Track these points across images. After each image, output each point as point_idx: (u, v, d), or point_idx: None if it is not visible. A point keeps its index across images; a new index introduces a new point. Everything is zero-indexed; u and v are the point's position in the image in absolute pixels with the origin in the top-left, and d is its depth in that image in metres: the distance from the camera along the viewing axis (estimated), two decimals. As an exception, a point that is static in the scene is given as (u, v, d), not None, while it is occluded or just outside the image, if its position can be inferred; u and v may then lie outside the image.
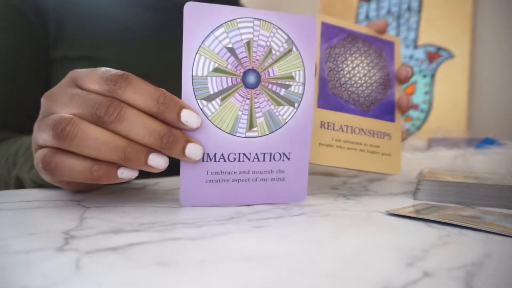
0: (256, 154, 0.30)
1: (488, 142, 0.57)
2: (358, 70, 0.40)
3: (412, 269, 0.18)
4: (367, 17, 1.16)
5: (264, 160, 0.30)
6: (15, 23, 0.50)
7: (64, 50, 0.53)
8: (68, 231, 0.22)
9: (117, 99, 0.26)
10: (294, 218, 0.28)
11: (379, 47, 0.41)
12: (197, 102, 0.28)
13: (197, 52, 0.28)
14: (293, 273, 0.17)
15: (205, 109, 0.28)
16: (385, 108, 0.40)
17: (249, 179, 0.30)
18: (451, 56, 1.00)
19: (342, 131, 0.38)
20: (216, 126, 0.29)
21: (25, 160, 0.38)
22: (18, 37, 0.50)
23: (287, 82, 0.31)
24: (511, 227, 0.26)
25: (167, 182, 0.42)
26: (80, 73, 0.28)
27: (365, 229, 0.26)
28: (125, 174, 0.26)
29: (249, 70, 0.29)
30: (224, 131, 0.29)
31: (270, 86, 0.30)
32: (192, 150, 0.27)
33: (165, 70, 0.55)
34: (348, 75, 0.39)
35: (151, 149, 0.26)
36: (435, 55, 1.03)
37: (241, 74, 0.29)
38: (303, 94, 0.31)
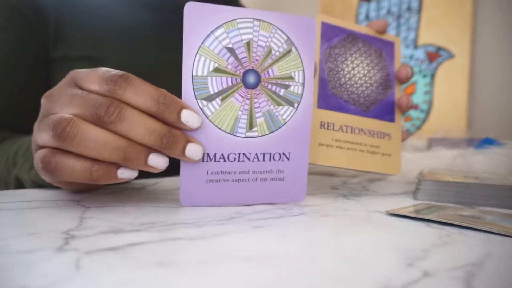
0: (256, 154, 0.30)
1: (488, 142, 0.57)
2: (358, 70, 0.40)
3: (412, 269, 0.18)
4: (367, 17, 1.16)
5: (263, 160, 0.30)
6: (14, 23, 0.50)
7: (64, 50, 0.53)
8: (68, 231, 0.22)
9: (117, 100, 0.26)
10: (294, 218, 0.28)
11: (379, 47, 0.41)
12: (197, 102, 0.28)
13: (197, 52, 0.28)
14: (293, 273, 0.17)
15: (205, 109, 0.28)
16: (385, 108, 0.40)
17: (249, 179, 0.30)
18: (451, 56, 1.00)
19: (342, 131, 0.38)
20: (216, 126, 0.29)
21: (25, 160, 0.38)
22: (18, 37, 0.50)
23: (286, 82, 0.31)
24: (511, 227, 0.26)
25: (167, 182, 0.42)
26: (80, 73, 0.28)
27: (365, 229, 0.26)
28: (125, 174, 0.26)
29: (249, 70, 0.29)
30: (224, 131, 0.29)
31: (269, 86, 0.30)
32: (192, 150, 0.27)
33: (165, 70, 0.55)
34: (348, 75, 0.39)
35: (151, 149, 0.26)
36: (435, 55, 1.03)
37: (241, 74, 0.29)
38: (302, 94, 0.31)
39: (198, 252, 0.19)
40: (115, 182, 0.26)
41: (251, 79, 0.29)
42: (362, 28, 0.41)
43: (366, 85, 0.40)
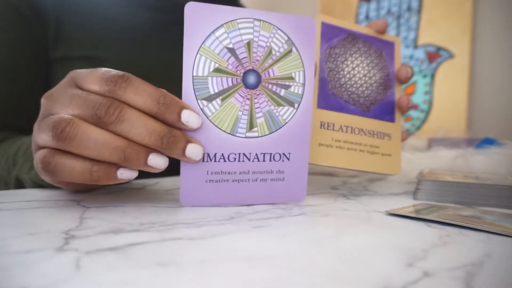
0: (256, 154, 0.30)
1: (488, 142, 0.57)
2: (358, 71, 0.40)
3: (412, 269, 0.18)
4: (367, 17, 1.16)
5: (264, 160, 0.30)
6: (14, 23, 0.50)
7: (64, 50, 0.53)
8: (68, 231, 0.22)
9: (117, 100, 0.26)
10: (294, 218, 0.28)
11: (379, 47, 0.41)
12: (197, 102, 0.28)
13: (197, 52, 0.28)
14: (293, 273, 0.17)
15: (206, 109, 0.28)
16: (385, 109, 0.40)
17: (249, 179, 0.30)
18: (451, 56, 1.00)
19: (342, 131, 0.38)
20: (216, 126, 0.29)
21: (24, 160, 0.38)
22: (18, 37, 0.50)
23: (287, 83, 0.31)
24: (511, 227, 0.26)
25: (167, 182, 0.42)
26: (80, 73, 0.28)
27: (365, 229, 0.26)
28: (124, 174, 0.26)
29: (249, 70, 0.29)
30: (224, 131, 0.29)
31: (270, 86, 0.30)
32: (193, 151, 0.27)
33: (165, 70, 0.55)
34: (348, 76, 0.39)
35: (150, 149, 0.26)
36: (435, 55, 1.03)
37: (242, 74, 0.29)
38: (303, 94, 0.31)
39: (198, 252, 0.19)
40: (115, 182, 0.26)
41: (252, 79, 0.29)
42: (362, 28, 0.41)
43: (366, 85, 0.40)
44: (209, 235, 0.22)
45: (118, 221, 0.24)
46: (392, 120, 0.41)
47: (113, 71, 0.26)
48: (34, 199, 0.31)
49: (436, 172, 0.45)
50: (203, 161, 0.29)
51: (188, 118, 0.26)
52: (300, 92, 0.31)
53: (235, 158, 0.29)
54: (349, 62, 0.39)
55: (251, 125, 0.30)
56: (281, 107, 0.30)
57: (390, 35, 0.43)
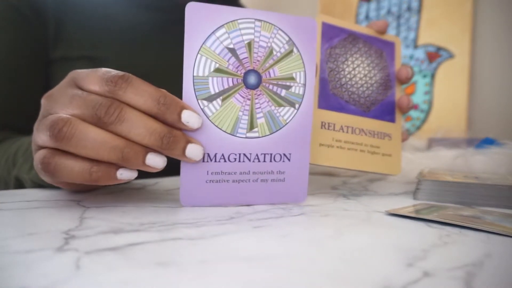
0: (257, 155, 0.30)
1: (488, 142, 0.57)
2: (358, 71, 0.40)
3: (412, 269, 0.18)
4: (367, 17, 1.16)
5: (264, 161, 0.30)
6: (14, 23, 0.50)
7: (64, 50, 0.53)
8: (68, 231, 0.22)
9: (118, 100, 0.26)
10: (294, 218, 0.28)
11: (380, 47, 0.41)
12: (198, 102, 0.28)
13: (198, 52, 0.28)
14: (293, 273, 0.17)
15: (206, 109, 0.28)
16: (385, 109, 0.40)
17: (249, 179, 0.30)
18: (451, 56, 1.00)
19: (343, 131, 0.38)
20: (216, 126, 0.29)
21: (24, 160, 0.38)
22: (18, 37, 0.50)
23: (287, 83, 0.31)
24: (511, 227, 0.26)
25: (167, 182, 0.42)
26: (80, 73, 0.28)
27: (365, 229, 0.26)
28: (124, 175, 0.26)
29: (250, 70, 0.29)
30: (224, 131, 0.29)
31: (270, 87, 0.30)
32: (193, 151, 0.27)
33: (165, 70, 0.55)
34: (348, 76, 0.39)
35: (149, 149, 0.26)
36: (435, 55, 1.03)
37: (242, 74, 0.29)
38: (303, 95, 0.31)
39: (198, 252, 0.19)
40: (114, 183, 0.26)
41: (252, 79, 0.29)
42: (362, 28, 0.41)
43: (367, 86, 0.40)
44: (209, 235, 0.22)
45: (118, 221, 0.24)
46: (392, 120, 0.41)
47: (113, 72, 0.26)
48: (34, 199, 0.31)
49: (436, 172, 0.45)
50: (203, 161, 0.29)
51: (189, 118, 0.26)
52: (301, 92, 0.31)
53: (235, 159, 0.29)
54: (349, 62, 0.39)
55: (251, 126, 0.30)
56: (281, 108, 0.30)
57: (391, 35, 0.43)
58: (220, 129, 0.29)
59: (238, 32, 0.29)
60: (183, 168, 0.28)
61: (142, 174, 0.31)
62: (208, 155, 0.29)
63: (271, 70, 0.30)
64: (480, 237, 0.24)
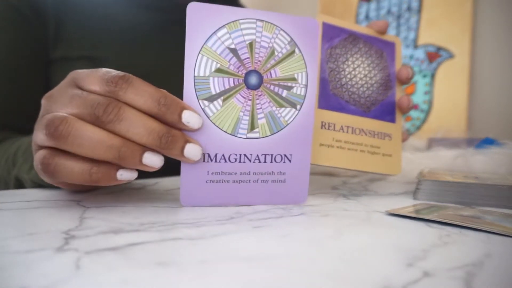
0: (257, 155, 0.30)
1: (488, 142, 0.57)
2: (359, 71, 0.40)
3: (412, 269, 0.18)
4: (367, 17, 1.16)
5: (265, 162, 0.30)
6: (14, 23, 0.50)
7: (64, 50, 0.53)
8: (68, 231, 0.22)
9: (117, 100, 0.26)
10: (294, 218, 0.28)
11: (380, 47, 0.41)
12: (198, 102, 0.28)
13: (199, 52, 0.28)
14: (293, 273, 0.17)
15: (207, 109, 0.28)
16: (385, 109, 0.40)
17: (249, 180, 0.30)
18: (451, 56, 1.00)
19: (343, 131, 0.38)
20: (217, 126, 0.29)
21: (24, 160, 0.38)
22: (18, 37, 0.50)
23: (289, 84, 0.31)
24: (511, 227, 0.26)
25: (167, 182, 0.42)
26: (80, 74, 0.28)
27: (365, 229, 0.26)
28: (124, 176, 0.26)
29: (251, 71, 0.29)
30: (225, 131, 0.29)
31: (272, 87, 0.30)
32: (191, 150, 0.27)
33: (165, 70, 0.55)
34: (349, 76, 0.39)
35: (146, 148, 0.26)
36: (435, 55, 1.03)
37: (243, 75, 0.29)
38: (305, 96, 0.31)
39: (198, 252, 0.19)
40: (114, 183, 0.26)
41: (253, 80, 0.29)
42: (362, 29, 0.41)
43: (367, 86, 0.40)
44: (209, 235, 0.22)
45: (118, 221, 0.24)
46: (392, 120, 0.41)
47: (114, 72, 0.26)
48: (34, 199, 0.31)
49: (436, 172, 0.45)
50: (204, 161, 0.29)
51: (189, 118, 0.26)
52: (302, 93, 0.31)
53: (235, 159, 0.29)
54: (350, 63, 0.39)
55: (252, 126, 0.30)
56: (282, 108, 0.30)
57: (391, 35, 0.43)
58: (221, 129, 0.29)
59: (239, 32, 0.29)
60: (183, 168, 0.28)
61: (142, 174, 0.31)
62: (209, 155, 0.29)
63: (272, 71, 0.30)
64: (480, 237, 0.24)
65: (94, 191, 0.35)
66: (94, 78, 0.26)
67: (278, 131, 0.30)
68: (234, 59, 0.29)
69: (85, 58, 0.53)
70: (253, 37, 0.29)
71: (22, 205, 0.28)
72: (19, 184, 0.39)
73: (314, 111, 0.32)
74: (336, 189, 0.42)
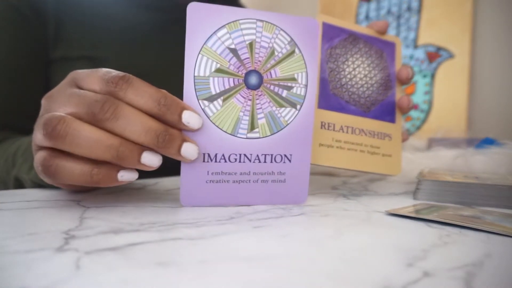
0: (257, 155, 0.30)
1: (488, 142, 0.57)
2: (359, 71, 0.40)
3: (412, 269, 0.18)
4: (367, 17, 1.16)
5: (265, 162, 0.30)
6: (14, 23, 0.50)
7: (64, 50, 0.53)
8: (68, 231, 0.22)
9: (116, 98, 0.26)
10: (294, 218, 0.28)
11: (380, 48, 0.41)
12: (198, 102, 0.28)
13: (199, 53, 0.28)
14: (293, 273, 0.17)
15: (207, 109, 0.28)
16: (385, 109, 0.40)
17: (249, 180, 0.30)
18: (451, 56, 1.00)
19: (343, 131, 0.38)
20: (217, 126, 0.29)
21: (24, 160, 0.38)
22: (18, 37, 0.50)
23: (289, 84, 0.31)
24: (511, 227, 0.26)
25: (167, 182, 0.42)
26: (80, 74, 0.28)
27: (365, 229, 0.26)
28: (125, 177, 0.26)
29: (251, 71, 0.29)
30: (225, 131, 0.29)
31: (272, 87, 0.30)
32: (188, 149, 0.27)
33: (165, 70, 0.55)
34: (349, 76, 0.39)
35: (144, 148, 0.26)
36: (435, 55, 1.03)
37: (243, 75, 0.29)
38: (305, 96, 0.31)
39: (198, 252, 0.19)
40: (115, 184, 0.26)
41: (253, 80, 0.29)
42: (363, 29, 0.41)
43: (367, 86, 0.40)
44: (209, 235, 0.22)
45: (118, 221, 0.24)
46: (392, 120, 0.41)
47: (114, 72, 0.26)
48: (34, 199, 0.31)
49: (436, 172, 0.45)
50: (204, 161, 0.29)
51: (189, 119, 0.26)
52: (302, 93, 0.31)
53: (235, 159, 0.29)
54: (350, 63, 0.39)
55: (252, 126, 0.30)
56: (282, 108, 0.30)
57: (391, 35, 0.43)
58: (221, 129, 0.29)
59: (239, 32, 0.29)
60: (183, 168, 0.28)
61: (142, 174, 0.31)
62: (209, 155, 0.29)
63: (272, 71, 0.30)
64: (480, 237, 0.24)
65: (94, 191, 0.35)
66: (94, 78, 0.26)
67: (278, 131, 0.30)
68: (234, 59, 0.29)
69: (85, 58, 0.53)
70: (253, 37, 0.29)
71: (22, 205, 0.28)
72: (19, 184, 0.39)
73: (314, 111, 0.32)
74: (336, 189, 0.42)
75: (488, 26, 0.97)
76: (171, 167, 0.34)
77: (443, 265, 0.19)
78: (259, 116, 0.30)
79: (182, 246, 0.20)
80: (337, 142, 0.37)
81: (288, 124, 0.31)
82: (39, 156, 0.26)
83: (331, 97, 0.38)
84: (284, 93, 0.30)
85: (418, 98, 1.05)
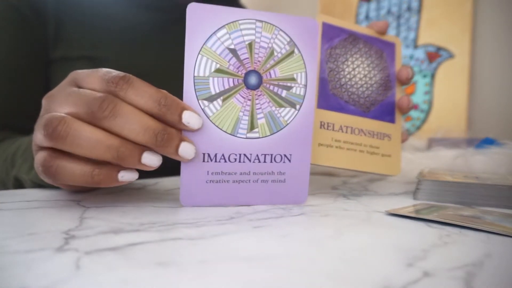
0: (257, 155, 0.30)
1: (488, 142, 0.57)
2: (358, 71, 0.40)
3: (412, 269, 0.18)
4: (367, 17, 1.16)
5: (265, 162, 0.30)
6: (14, 23, 0.50)
7: (64, 50, 0.53)
8: (68, 231, 0.22)
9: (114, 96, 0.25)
10: (294, 218, 0.28)
11: (380, 48, 0.41)
12: (198, 102, 0.28)
13: (199, 53, 0.28)
14: (293, 273, 0.17)
15: (207, 109, 0.28)
16: (385, 109, 0.40)
17: (249, 180, 0.30)
18: (451, 56, 1.00)
19: (342, 131, 0.38)
20: (217, 126, 0.29)
21: (24, 160, 0.38)
22: (18, 37, 0.50)
23: (288, 84, 0.31)
24: (511, 227, 0.26)
25: (167, 182, 0.42)
26: (81, 74, 0.28)
27: (365, 229, 0.26)
28: (125, 177, 0.26)
29: (250, 71, 0.29)
30: (225, 131, 0.29)
31: (271, 87, 0.30)
32: (185, 149, 0.27)
33: (165, 70, 0.55)
34: (348, 76, 0.39)
35: (144, 148, 0.26)
36: (435, 55, 1.03)
37: (243, 75, 0.29)
38: (304, 95, 0.31)
39: (198, 252, 0.19)
40: (116, 185, 0.26)
41: (253, 80, 0.29)
42: (362, 29, 0.41)
43: (367, 86, 0.40)
44: (209, 235, 0.22)
45: (118, 221, 0.24)
46: (392, 120, 0.41)
47: (114, 72, 0.26)
48: (34, 199, 0.31)
49: (436, 172, 0.45)
50: (204, 161, 0.29)
51: (189, 119, 0.26)
52: (302, 93, 0.31)
53: (235, 159, 0.29)
54: (349, 63, 0.39)
55: (252, 126, 0.30)
56: (282, 108, 0.30)
57: (391, 35, 0.43)
58: (221, 129, 0.29)
59: (239, 32, 0.29)
60: (183, 168, 0.28)
61: (142, 174, 0.31)
62: (209, 155, 0.29)
63: (272, 71, 0.30)
64: (480, 237, 0.24)
65: (94, 191, 0.35)
66: (95, 78, 0.26)
67: (278, 131, 0.30)
68: (234, 59, 0.29)
69: (85, 58, 0.53)
70: (253, 37, 0.29)
71: (22, 205, 0.28)
72: (19, 184, 0.39)
73: (314, 111, 0.32)
74: (336, 189, 0.42)
75: (488, 26, 0.97)
76: (171, 167, 0.34)
77: (443, 265, 0.19)
78: (258, 116, 0.30)
79: (182, 246, 0.20)
80: (337, 142, 0.37)
81: (287, 124, 0.31)
82: (39, 157, 0.26)
83: (330, 97, 0.38)
84: (284, 93, 0.30)
85: (418, 98, 1.05)
